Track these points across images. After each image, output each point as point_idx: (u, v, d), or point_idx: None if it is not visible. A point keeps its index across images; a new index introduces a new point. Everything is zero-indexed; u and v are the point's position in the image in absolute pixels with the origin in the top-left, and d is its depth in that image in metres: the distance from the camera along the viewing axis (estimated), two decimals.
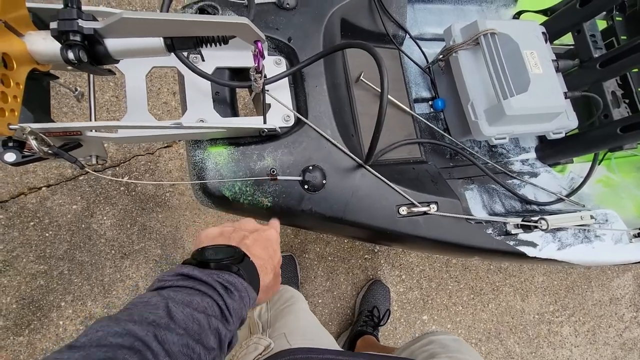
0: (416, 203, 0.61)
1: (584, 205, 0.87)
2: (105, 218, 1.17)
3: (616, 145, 0.74)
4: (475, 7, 0.95)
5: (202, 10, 0.58)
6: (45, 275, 1.10)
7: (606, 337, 1.47)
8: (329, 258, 1.30)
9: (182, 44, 0.40)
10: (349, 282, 1.29)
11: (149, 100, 1.21)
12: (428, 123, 0.77)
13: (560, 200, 0.86)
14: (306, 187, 0.55)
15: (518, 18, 0.97)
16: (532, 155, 0.90)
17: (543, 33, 0.75)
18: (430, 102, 0.83)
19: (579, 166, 0.93)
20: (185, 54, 0.56)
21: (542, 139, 0.91)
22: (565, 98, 0.73)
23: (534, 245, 0.70)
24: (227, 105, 0.57)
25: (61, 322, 1.09)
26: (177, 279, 0.31)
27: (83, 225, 1.15)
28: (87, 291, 1.12)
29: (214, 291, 0.31)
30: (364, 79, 0.70)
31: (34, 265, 1.10)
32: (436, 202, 0.63)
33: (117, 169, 1.20)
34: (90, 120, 0.51)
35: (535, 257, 0.69)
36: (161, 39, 0.38)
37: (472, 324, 1.36)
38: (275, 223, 0.49)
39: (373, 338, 1.12)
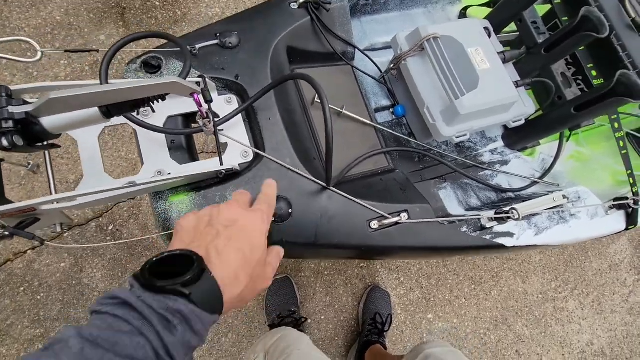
0: (386, 215, 0.62)
1: (558, 185, 0.89)
2: (95, 271, 1.16)
3: (574, 124, 0.76)
4: (421, 9, 0.98)
5: (145, 64, 0.59)
6: (43, 338, 1.09)
7: (612, 304, 1.48)
8: (325, 273, 1.30)
9: (119, 110, 0.40)
10: (349, 293, 1.29)
11: (110, 156, 1.22)
12: (390, 131, 0.79)
13: (534, 183, 0.88)
14: (273, 219, 0.55)
15: (465, 13, 0.99)
16: (499, 143, 0.92)
17: (485, 28, 0.77)
18: (391, 110, 0.85)
19: (547, 146, 0.95)
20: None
21: (506, 126, 0.92)
22: (517, 87, 0.75)
23: (510, 235, 0.70)
24: (184, 151, 0.58)
25: None
26: (112, 304, 0.27)
27: (74, 282, 1.14)
28: None
29: (150, 328, 0.26)
30: (318, 101, 0.71)
31: (30, 331, 1.09)
32: (406, 210, 0.64)
33: (101, 219, 1.20)
34: (51, 193, 0.52)
35: (514, 247, 0.70)
36: (96, 108, 0.39)
37: (477, 315, 1.36)
38: (262, 208, 0.41)
39: (379, 347, 1.12)
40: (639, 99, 0.63)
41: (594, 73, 0.82)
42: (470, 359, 1.32)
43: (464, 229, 0.68)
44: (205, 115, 0.48)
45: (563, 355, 1.39)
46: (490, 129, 0.92)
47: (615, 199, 0.81)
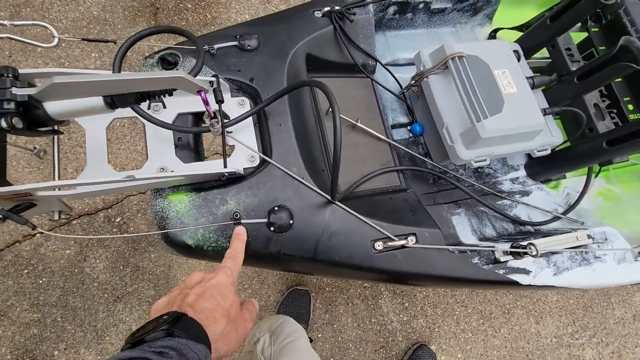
0: (392, 237, 0.58)
1: (582, 222, 0.83)
2: (98, 261, 1.16)
3: (605, 159, 0.70)
4: (449, 28, 0.95)
5: (163, 59, 0.59)
6: (39, 323, 1.09)
7: (634, 357, 1.36)
8: (327, 289, 1.25)
9: (123, 101, 0.39)
10: (349, 313, 1.24)
11: (127, 149, 1.23)
12: (406, 149, 0.76)
13: (556, 218, 0.82)
14: (272, 229, 0.53)
15: (494, 35, 0.96)
16: (521, 173, 0.87)
17: (515, 51, 0.74)
18: (408, 128, 0.82)
19: (574, 180, 0.89)
20: (147, 102, 0.57)
21: (530, 155, 0.88)
22: (544, 115, 0.71)
23: (526, 272, 0.65)
24: (190, 150, 0.57)
25: None
26: None
27: (76, 270, 1.15)
28: (80, 338, 1.10)
29: None
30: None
31: (28, 314, 1.09)
32: (414, 234, 0.60)
33: (110, 210, 1.21)
34: (54, 179, 0.51)
35: (530, 285, 0.65)
36: (101, 97, 0.38)
37: (484, 352, 1.27)
38: (227, 265, 0.46)
39: None
40: None
41: (630, 107, 0.77)
42: None
43: (476, 260, 0.63)
44: (212, 115, 0.47)
45: None
46: (513, 156, 0.87)
47: None
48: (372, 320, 1.24)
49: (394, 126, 0.82)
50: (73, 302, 1.12)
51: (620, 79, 0.79)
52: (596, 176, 0.95)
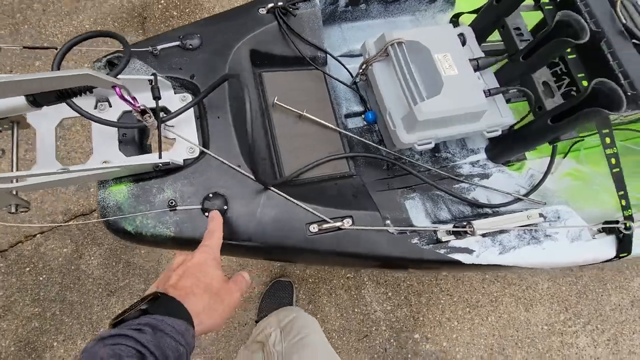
0: (327, 219, 0.60)
1: (545, 203, 0.82)
2: (92, 258, 1.24)
3: (552, 136, 0.70)
4: (409, 17, 0.96)
5: (110, 62, 0.64)
6: (39, 317, 1.17)
7: (631, 344, 1.31)
8: (310, 280, 1.28)
9: (45, 99, 0.44)
10: (332, 303, 1.26)
11: (88, 147, 1.28)
12: (357, 137, 0.77)
13: (517, 200, 0.81)
14: (206, 214, 0.57)
15: (456, 21, 0.96)
16: (482, 156, 0.86)
17: (460, 34, 0.74)
18: (362, 116, 0.83)
19: (539, 162, 0.88)
20: (95, 101, 0.62)
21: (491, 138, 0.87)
22: (489, 95, 0.71)
23: (469, 251, 0.66)
24: (135, 145, 0.61)
25: None
26: (92, 345, 0.33)
27: (72, 267, 1.23)
28: (77, 330, 1.17)
29: (123, 337, 0.33)
30: (278, 102, 0.72)
31: (30, 309, 1.18)
32: (351, 216, 0.62)
33: (95, 213, 1.29)
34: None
35: (473, 264, 0.65)
36: (23, 97, 0.43)
37: (470, 341, 1.27)
38: (204, 244, 0.48)
39: None
40: (617, 110, 0.57)
41: (584, 83, 0.75)
42: None
43: (415, 240, 0.64)
44: (139, 110, 0.51)
45: None
46: (474, 139, 0.87)
47: (605, 222, 0.73)
48: (356, 310, 1.26)
49: (348, 115, 0.84)
50: (70, 297, 1.20)
51: (574, 56, 0.78)
52: (565, 157, 0.93)
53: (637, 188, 0.83)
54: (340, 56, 0.86)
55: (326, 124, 0.75)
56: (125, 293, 1.22)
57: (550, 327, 1.30)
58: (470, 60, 0.72)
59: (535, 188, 0.83)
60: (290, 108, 0.73)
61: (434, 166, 0.83)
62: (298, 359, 0.70)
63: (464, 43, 0.75)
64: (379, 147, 0.80)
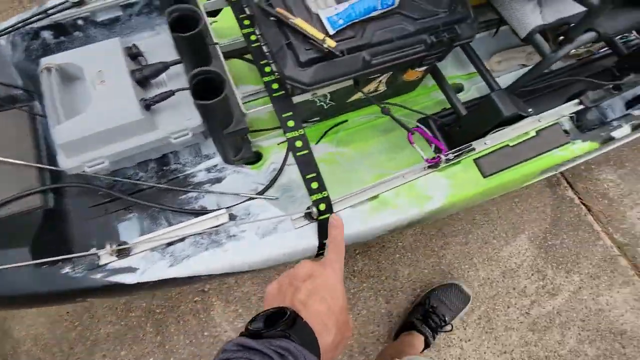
0: None
1: (277, 198, 0.77)
2: None
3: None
4: (147, 32, 0.94)
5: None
6: None
7: (506, 320, 1.22)
8: (157, 311, 1.24)
9: None
10: (180, 331, 1.22)
11: None
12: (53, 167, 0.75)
13: (250, 199, 0.77)
14: None
15: None
16: (218, 159, 0.83)
17: (128, 47, 0.72)
18: None
19: (281, 155, 0.84)
20: None
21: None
22: (152, 105, 0.68)
23: (132, 270, 0.62)
24: None
25: None
26: (236, 350, 0.32)
27: None
28: None
29: (267, 357, 0.31)
30: None
31: None
32: None
33: None
34: None
35: (139, 284, 0.61)
36: None
37: None
38: (332, 258, 0.44)
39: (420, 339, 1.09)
40: None
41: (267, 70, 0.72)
42: None
43: (66, 270, 0.61)
44: None
45: None
46: (207, 144, 0.84)
47: (309, 208, 0.68)
48: (205, 333, 1.21)
49: None
50: None
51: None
52: (317, 143, 0.89)
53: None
54: None
55: (19, 162, 0.73)
56: None
57: None
58: (134, 71, 0.69)
59: (271, 184, 0.79)
60: None
61: (160, 180, 0.79)
62: None
63: (135, 55, 0.73)
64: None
